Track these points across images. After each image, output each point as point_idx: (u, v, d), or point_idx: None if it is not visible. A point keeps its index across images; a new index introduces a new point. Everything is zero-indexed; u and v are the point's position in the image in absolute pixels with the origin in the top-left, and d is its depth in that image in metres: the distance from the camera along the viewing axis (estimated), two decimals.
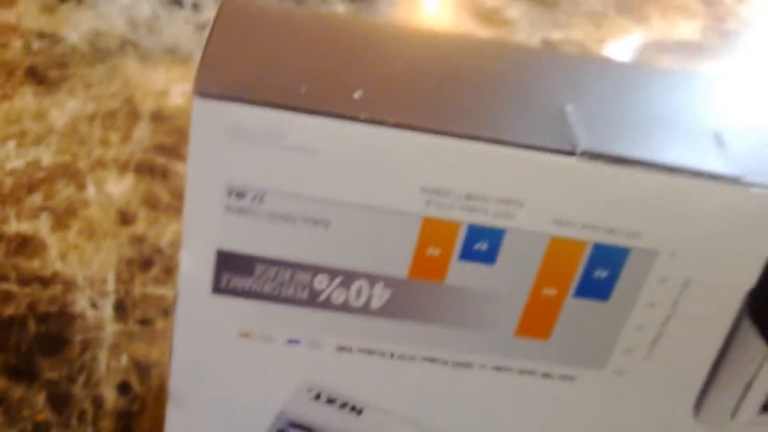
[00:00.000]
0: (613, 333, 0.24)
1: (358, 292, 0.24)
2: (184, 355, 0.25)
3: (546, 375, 0.25)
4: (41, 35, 0.57)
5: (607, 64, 0.26)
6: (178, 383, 0.26)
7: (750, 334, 0.25)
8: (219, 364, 0.25)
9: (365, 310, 0.24)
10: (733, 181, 0.22)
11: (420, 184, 0.22)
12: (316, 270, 0.24)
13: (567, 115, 0.23)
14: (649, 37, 0.73)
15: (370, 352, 0.25)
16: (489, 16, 0.72)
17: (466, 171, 0.22)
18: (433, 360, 0.25)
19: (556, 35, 0.70)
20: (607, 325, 0.24)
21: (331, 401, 0.26)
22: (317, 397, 0.26)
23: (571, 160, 0.22)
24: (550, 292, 0.24)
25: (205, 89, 0.21)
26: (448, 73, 0.24)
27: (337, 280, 0.24)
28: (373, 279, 0.24)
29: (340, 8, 0.67)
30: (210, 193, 0.22)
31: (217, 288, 0.24)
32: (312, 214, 0.23)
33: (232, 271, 0.24)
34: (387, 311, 0.24)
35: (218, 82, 0.21)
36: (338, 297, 0.24)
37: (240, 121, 0.21)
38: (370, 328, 0.25)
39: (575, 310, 0.24)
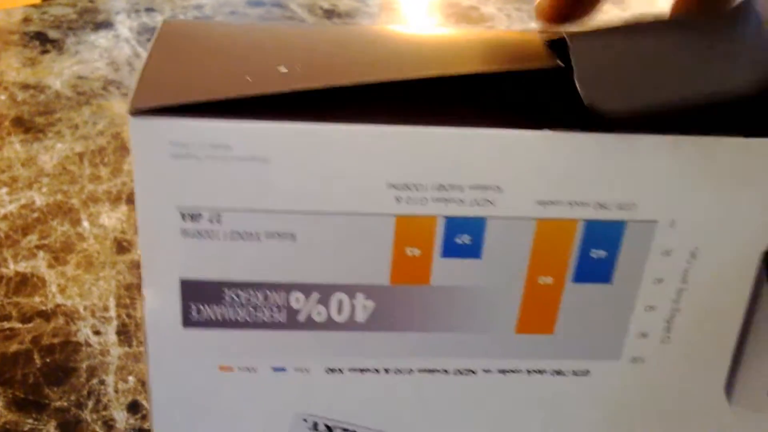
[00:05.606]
0: (624, 317, 0.22)
1: (339, 307, 0.22)
2: (163, 395, 0.23)
3: (557, 372, 0.23)
4: (25, 86, 0.56)
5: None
6: (161, 427, 0.23)
7: None
8: (202, 401, 0.23)
9: (350, 325, 0.22)
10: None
11: (386, 180, 0.20)
12: (289, 288, 0.21)
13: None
14: (629, 14, 0.71)
15: (363, 371, 0.23)
16: (466, 15, 0.70)
17: (434, 159, 0.19)
18: (431, 371, 0.23)
19: (535, 26, 0.68)
20: (615, 309, 0.22)
21: (329, 429, 0.24)
22: (315, 427, 0.24)
23: (545, 134, 0.19)
24: (546, 280, 0.21)
25: (139, 106, 0.19)
26: (408, 60, 0.22)
27: (314, 296, 0.21)
28: (352, 290, 0.21)
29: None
30: (163, 218, 0.20)
31: (188, 321, 0.22)
32: (275, 228, 0.20)
33: (201, 300, 0.21)
34: (373, 324, 0.22)
35: (154, 97, 0.19)
36: (319, 315, 0.22)
37: (181, 136, 0.19)
38: (359, 344, 0.22)
39: (577, 297, 0.21)
